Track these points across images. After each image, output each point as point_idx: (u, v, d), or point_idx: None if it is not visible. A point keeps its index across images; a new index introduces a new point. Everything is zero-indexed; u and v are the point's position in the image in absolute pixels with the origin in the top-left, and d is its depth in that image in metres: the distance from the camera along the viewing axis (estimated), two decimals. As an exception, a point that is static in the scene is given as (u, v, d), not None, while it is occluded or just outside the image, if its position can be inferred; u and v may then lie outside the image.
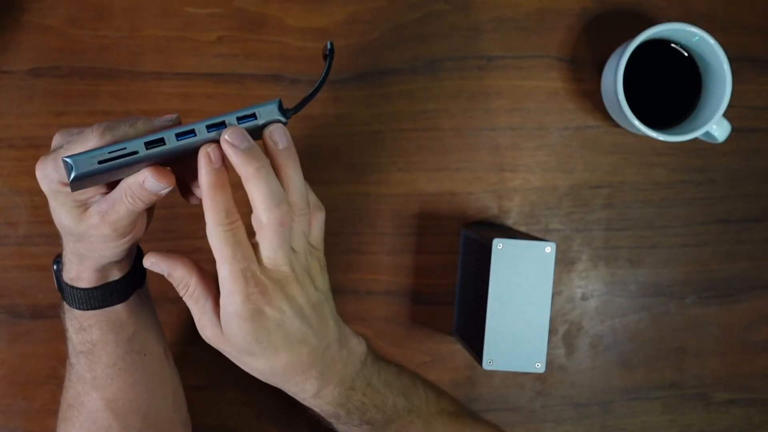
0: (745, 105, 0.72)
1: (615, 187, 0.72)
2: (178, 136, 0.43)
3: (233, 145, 0.43)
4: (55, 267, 0.54)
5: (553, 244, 0.60)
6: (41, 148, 0.67)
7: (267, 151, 0.45)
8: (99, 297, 0.52)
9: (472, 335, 0.64)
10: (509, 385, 0.73)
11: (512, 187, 0.71)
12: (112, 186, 0.46)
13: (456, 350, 0.72)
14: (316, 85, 0.46)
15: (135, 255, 0.54)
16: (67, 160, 0.42)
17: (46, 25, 0.67)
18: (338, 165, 0.70)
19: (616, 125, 0.70)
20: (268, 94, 0.68)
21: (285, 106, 0.45)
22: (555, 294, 0.72)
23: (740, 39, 0.71)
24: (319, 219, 0.49)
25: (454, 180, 0.71)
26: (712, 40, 0.64)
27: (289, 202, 0.45)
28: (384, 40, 0.69)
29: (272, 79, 0.68)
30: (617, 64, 0.64)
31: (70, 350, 0.54)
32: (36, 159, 0.46)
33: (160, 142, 0.43)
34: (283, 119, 0.45)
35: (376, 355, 0.56)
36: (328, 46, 0.48)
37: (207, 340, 0.48)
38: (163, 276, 0.48)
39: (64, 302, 0.53)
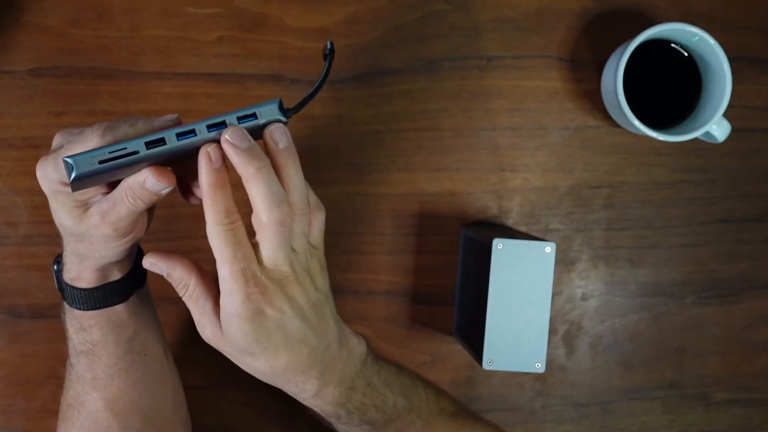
0: (745, 105, 0.72)
1: (615, 187, 0.72)
2: (179, 135, 0.43)
3: (234, 145, 0.43)
4: (55, 267, 0.54)
5: (553, 244, 0.60)
6: (41, 148, 0.67)
7: (267, 151, 0.45)
8: (99, 297, 0.52)
9: (472, 335, 0.64)
10: (509, 385, 0.73)
11: (512, 187, 0.71)
12: (112, 186, 0.46)
13: (456, 350, 0.72)
14: (316, 85, 0.46)
15: (135, 255, 0.54)
16: (68, 160, 0.42)
17: (46, 25, 0.67)
18: (338, 165, 0.70)
19: (616, 125, 0.70)
20: (268, 94, 0.68)
21: (285, 106, 0.45)
22: (555, 294, 0.72)
23: (740, 39, 0.71)
24: (319, 219, 0.49)
25: (454, 180, 0.71)
26: (712, 40, 0.64)
27: (290, 202, 0.45)
28: (384, 40, 0.69)
29: (272, 79, 0.68)
30: (617, 64, 0.64)
31: (71, 350, 0.54)
32: (36, 159, 0.46)
33: (161, 142, 0.43)
34: (283, 119, 0.45)
35: (376, 355, 0.56)
36: (328, 46, 0.48)
37: (207, 340, 0.48)
38: (163, 276, 0.48)
39: (65, 302, 0.53)
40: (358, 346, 0.53)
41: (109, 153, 0.43)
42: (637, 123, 0.64)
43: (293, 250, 0.47)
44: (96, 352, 0.53)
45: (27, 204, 0.67)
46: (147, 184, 0.44)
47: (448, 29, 0.70)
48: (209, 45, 0.68)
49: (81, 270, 0.51)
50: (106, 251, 0.49)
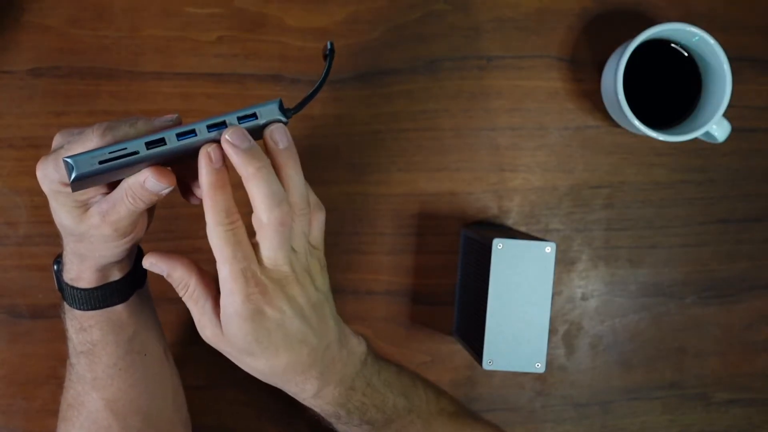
0: (745, 105, 0.72)
1: (615, 187, 0.72)
2: (179, 136, 0.43)
3: (234, 145, 0.43)
4: (55, 267, 0.54)
5: (553, 244, 0.60)
6: (41, 148, 0.67)
7: (267, 151, 0.45)
8: (99, 297, 0.52)
9: (472, 335, 0.64)
10: (509, 385, 0.73)
11: (512, 187, 0.71)
12: (112, 186, 0.46)
13: (456, 350, 0.72)
14: (316, 85, 0.46)
15: (135, 255, 0.54)
16: (68, 160, 0.42)
17: (46, 25, 0.67)
18: (338, 165, 0.70)
19: (616, 125, 0.70)
20: (268, 94, 0.68)
21: (285, 106, 0.45)
22: (555, 294, 0.72)
23: (740, 39, 0.71)
24: (319, 219, 0.49)
25: (454, 180, 0.71)
26: (712, 40, 0.64)
27: (290, 202, 0.45)
28: (384, 40, 0.69)
29: (272, 79, 0.68)
30: (617, 64, 0.64)
31: (71, 350, 0.54)
32: (36, 159, 0.46)
33: (161, 142, 0.43)
34: (283, 119, 0.45)
35: (376, 355, 0.56)
36: (328, 46, 0.48)
37: (207, 341, 0.48)
38: (163, 276, 0.48)
39: (65, 302, 0.53)
40: (358, 346, 0.53)
41: (109, 153, 0.43)
42: (637, 123, 0.64)
43: (293, 250, 0.47)
44: (96, 352, 0.53)
45: (27, 204, 0.67)
46: (147, 184, 0.44)
47: (448, 29, 0.70)
48: (209, 45, 0.68)
49: (81, 270, 0.51)
50: (106, 251, 0.49)
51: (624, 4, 0.71)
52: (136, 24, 0.67)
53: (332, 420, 0.54)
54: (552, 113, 0.71)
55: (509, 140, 0.71)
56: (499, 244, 0.60)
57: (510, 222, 0.71)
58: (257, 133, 0.45)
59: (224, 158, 0.44)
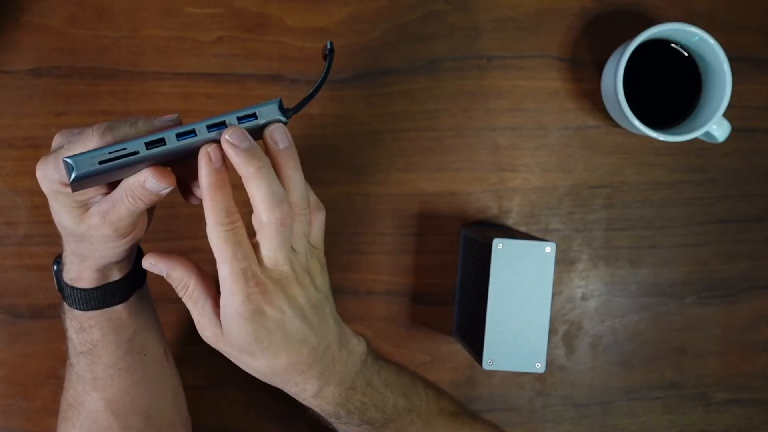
0: (745, 105, 0.72)
1: (615, 187, 0.72)
2: (179, 136, 0.43)
3: (234, 145, 0.43)
4: (55, 267, 0.54)
5: (553, 244, 0.60)
6: (41, 148, 0.67)
7: (267, 151, 0.45)
8: (99, 297, 0.52)
9: (472, 335, 0.64)
10: (509, 385, 0.73)
11: (512, 187, 0.71)
12: (112, 186, 0.46)
13: (456, 350, 0.72)
14: (316, 85, 0.46)
15: (135, 255, 0.54)
16: (68, 160, 0.42)
17: (46, 25, 0.67)
18: (338, 165, 0.70)
19: (616, 125, 0.70)
20: (268, 94, 0.68)
21: (285, 106, 0.45)
22: (555, 294, 0.72)
23: (740, 39, 0.71)
24: (319, 219, 0.49)
25: (454, 180, 0.71)
26: (712, 40, 0.64)
27: (290, 202, 0.45)
28: (384, 40, 0.69)
29: (272, 79, 0.68)
30: (617, 64, 0.64)
31: (71, 350, 0.54)
32: (36, 159, 0.46)
33: (161, 142, 0.43)
34: (283, 119, 0.45)
35: (376, 354, 0.56)
36: (328, 46, 0.48)
37: (207, 341, 0.48)
38: (162, 276, 0.48)
39: (65, 302, 0.53)
40: (358, 346, 0.53)
41: (109, 153, 0.43)
42: (637, 123, 0.64)
43: (293, 250, 0.47)
44: (96, 352, 0.53)
45: (27, 204, 0.67)
46: (147, 184, 0.44)
47: (448, 29, 0.70)
48: (209, 45, 0.68)
49: (81, 270, 0.51)
50: (106, 251, 0.49)
51: (624, 4, 0.71)
52: (136, 24, 0.67)
53: (332, 420, 0.54)
54: (552, 113, 0.71)
55: (509, 140, 0.71)
56: (499, 244, 0.60)
57: (510, 222, 0.71)
58: (257, 133, 0.45)
59: (224, 158, 0.44)
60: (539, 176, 0.71)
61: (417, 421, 0.57)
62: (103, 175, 0.43)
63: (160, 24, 0.68)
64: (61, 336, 0.55)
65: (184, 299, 0.48)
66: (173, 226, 0.68)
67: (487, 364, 0.60)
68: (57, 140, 0.47)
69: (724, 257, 0.73)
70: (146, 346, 0.56)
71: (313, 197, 0.49)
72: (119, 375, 0.54)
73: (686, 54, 0.67)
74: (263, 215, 0.44)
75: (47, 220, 0.49)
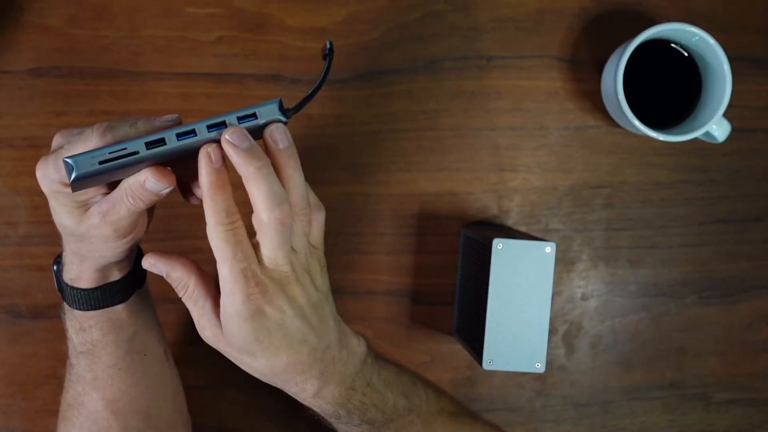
0: (745, 105, 0.72)
1: (615, 187, 0.72)
2: (179, 136, 0.43)
3: (234, 145, 0.43)
4: (55, 267, 0.54)
5: (553, 244, 0.60)
6: (41, 148, 0.67)
7: (267, 151, 0.45)
8: (99, 297, 0.52)
9: (472, 335, 0.64)
10: (509, 385, 0.73)
11: (512, 187, 0.71)
12: (112, 186, 0.46)
13: (456, 350, 0.72)
14: (316, 85, 0.46)
15: (135, 255, 0.54)
16: (68, 160, 0.42)
17: (46, 25, 0.67)
18: (338, 165, 0.70)
19: (616, 125, 0.70)
20: (268, 94, 0.68)
21: (285, 106, 0.45)
22: (555, 294, 0.72)
23: (740, 39, 0.71)
24: (319, 219, 0.49)
25: (454, 180, 0.71)
26: (712, 40, 0.64)
27: (290, 201, 0.45)
28: (384, 40, 0.69)
29: (272, 79, 0.68)
30: (617, 64, 0.64)
31: (71, 350, 0.54)
32: (36, 159, 0.46)
33: (161, 142, 0.43)
34: (283, 119, 0.45)
35: (376, 354, 0.56)
36: (328, 46, 0.48)
37: (206, 341, 0.48)
38: (162, 276, 0.48)
39: (64, 303, 0.53)
40: (358, 346, 0.53)
41: (110, 153, 0.43)
42: (637, 123, 0.64)
43: (294, 250, 0.47)
44: (96, 352, 0.53)
45: (27, 204, 0.67)
46: (147, 184, 0.44)
47: (448, 29, 0.70)
48: (209, 45, 0.68)
49: (81, 270, 0.51)
50: (106, 251, 0.49)
51: (624, 4, 0.71)
52: (136, 24, 0.67)
53: (332, 420, 0.54)
54: (552, 113, 0.71)
55: (509, 140, 0.71)
56: (499, 244, 0.60)
57: (510, 222, 0.71)
58: (257, 133, 0.45)
59: (224, 158, 0.44)
60: (539, 176, 0.71)
61: (417, 421, 0.57)
62: (103, 175, 0.43)
63: (160, 24, 0.68)
64: (61, 336, 0.55)
65: (183, 299, 0.48)
66: (173, 226, 0.68)
67: (487, 364, 0.60)
68: (57, 140, 0.47)
69: (724, 257, 0.73)
70: (146, 346, 0.56)
71: (313, 197, 0.49)
72: (119, 375, 0.54)
73: (686, 54, 0.67)
74: (263, 215, 0.44)
75: (47, 220, 0.49)
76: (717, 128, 0.65)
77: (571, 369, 0.73)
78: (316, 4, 0.69)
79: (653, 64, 0.67)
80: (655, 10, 0.71)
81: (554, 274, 0.60)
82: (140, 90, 0.68)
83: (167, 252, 0.48)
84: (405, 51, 0.69)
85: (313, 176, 0.49)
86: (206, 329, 0.47)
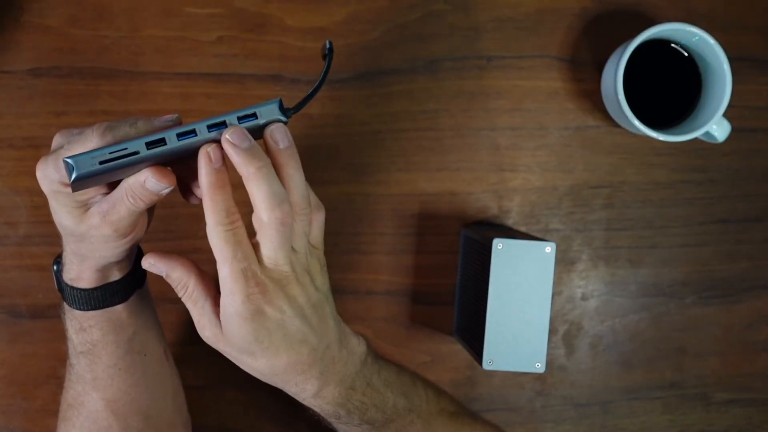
0: (745, 105, 0.72)
1: (615, 187, 0.72)
2: (179, 136, 0.43)
3: (234, 145, 0.43)
4: (55, 267, 0.54)
5: (553, 244, 0.60)
6: (41, 148, 0.67)
7: (268, 151, 0.45)
8: (99, 297, 0.52)
9: (472, 335, 0.64)
10: (509, 385, 0.73)
11: (512, 187, 0.71)
12: (112, 186, 0.46)
13: (456, 350, 0.72)
14: (315, 85, 0.46)
15: (135, 255, 0.54)
16: (68, 160, 0.42)
17: (46, 25, 0.67)
18: (338, 165, 0.70)
19: (616, 125, 0.70)
20: (268, 94, 0.68)
21: (285, 106, 0.45)
22: (555, 294, 0.72)
23: (740, 39, 0.71)
24: (319, 219, 0.49)
25: (454, 180, 0.71)
26: (712, 40, 0.64)
27: (290, 201, 0.45)
28: (384, 40, 0.69)
29: (272, 79, 0.68)
30: (617, 64, 0.64)
31: (71, 350, 0.54)
32: (36, 159, 0.46)
33: (161, 142, 0.43)
34: (283, 119, 0.45)
35: (376, 354, 0.56)
36: (327, 46, 0.48)
37: (206, 341, 0.48)
38: (162, 276, 0.48)
39: (64, 303, 0.53)
40: (358, 346, 0.53)
41: (110, 153, 0.43)
42: (637, 123, 0.64)
43: (294, 250, 0.47)
44: (96, 352, 0.53)
45: (27, 204, 0.67)
46: (147, 184, 0.44)
47: (448, 29, 0.70)
48: (209, 45, 0.68)
49: (81, 270, 0.51)
50: (106, 251, 0.49)
51: (624, 4, 0.71)
52: (136, 24, 0.67)
53: (332, 420, 0.54)
54: (552, 113, 0.71)
55: (509, 140, 0.71)
56: (499, 244, 0.60)
57: (510, 222, 0.71)
58: (257, 132, 0.45)
59: (224, 158, 0.44)
60: (539, 176, 0.71)
61: (417, 421, 0.57)
62: (104, 175, 0.43)
63: (160, 24, 0.68)
64: (61, 336, 0.55)
65: (183, 299, 0.48)
66: (173, 226, 0.68)
67: (487, 364, 0.60)
68: (57, 140, 0.47)
69: (724, 257, 0.73)
70: (146, 346, 0.56)
71: (313, 197, 0.49)
72: (119, 375, 0.54)
73: (686, 54, 0.67)
74: (264, 215, 0.44)
75: (47, 220, 0.49)
76: (717, 128, 0.65)
77: (571, 369, 0.73)
78: (316, 4, 0.69)
79: (653, 64, 0.67)
80: (655, 10, 0.71)
81: (554, 274, 0.60)
82: (140, 90, 0.68)
83: (167, 252, 0.48)
84: (405, 51, 0.69)
85: (313, 176, 0.49)
86: (206, 329, 0.47)
